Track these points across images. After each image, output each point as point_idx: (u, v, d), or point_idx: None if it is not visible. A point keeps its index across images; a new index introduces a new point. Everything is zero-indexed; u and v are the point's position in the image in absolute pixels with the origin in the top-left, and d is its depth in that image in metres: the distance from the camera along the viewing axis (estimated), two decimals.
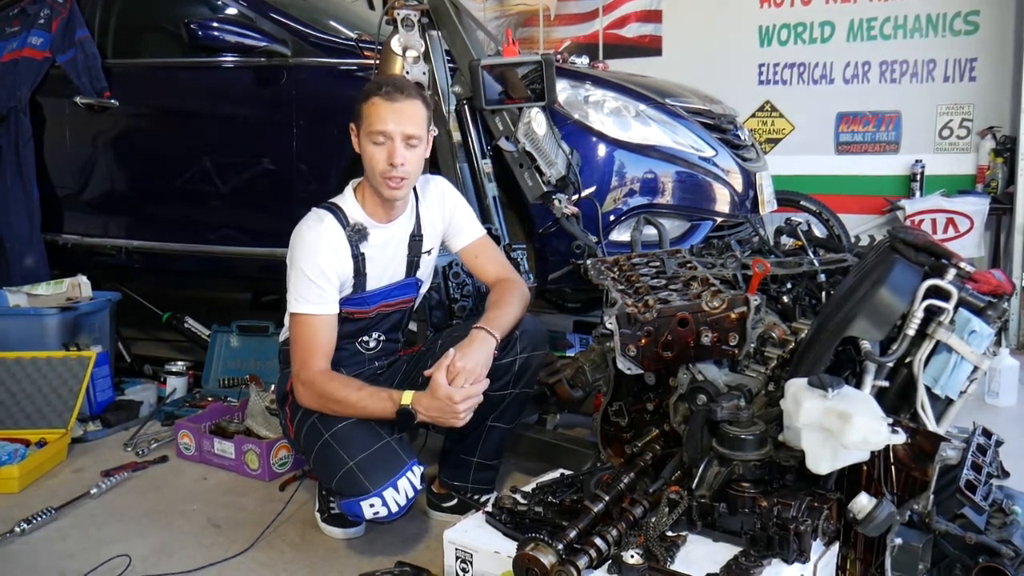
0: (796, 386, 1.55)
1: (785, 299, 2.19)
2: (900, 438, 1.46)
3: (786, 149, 4.98)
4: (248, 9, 3.23)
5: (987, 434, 1.84)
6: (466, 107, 2.69)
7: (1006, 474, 1.84)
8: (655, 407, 2.01)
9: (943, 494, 1.58)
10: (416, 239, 2.14)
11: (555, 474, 1.92)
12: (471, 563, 1.62)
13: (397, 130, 1.97)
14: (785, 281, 2.23)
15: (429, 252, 2.19)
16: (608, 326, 1.84)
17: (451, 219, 2.21)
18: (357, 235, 2.02)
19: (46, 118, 3.69)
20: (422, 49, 2.66)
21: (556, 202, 2.66)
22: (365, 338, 2.12)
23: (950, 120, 4.57)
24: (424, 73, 2.65)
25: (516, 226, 2.86)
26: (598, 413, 2.15)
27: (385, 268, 2.09)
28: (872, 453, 1.51)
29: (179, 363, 3.33)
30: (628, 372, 1.85)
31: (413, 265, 2.15)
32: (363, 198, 2.07)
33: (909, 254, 1.76)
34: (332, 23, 3.29)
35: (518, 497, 1.76)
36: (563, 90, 2.82)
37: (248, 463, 2.52)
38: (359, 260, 2.02)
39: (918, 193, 4.55)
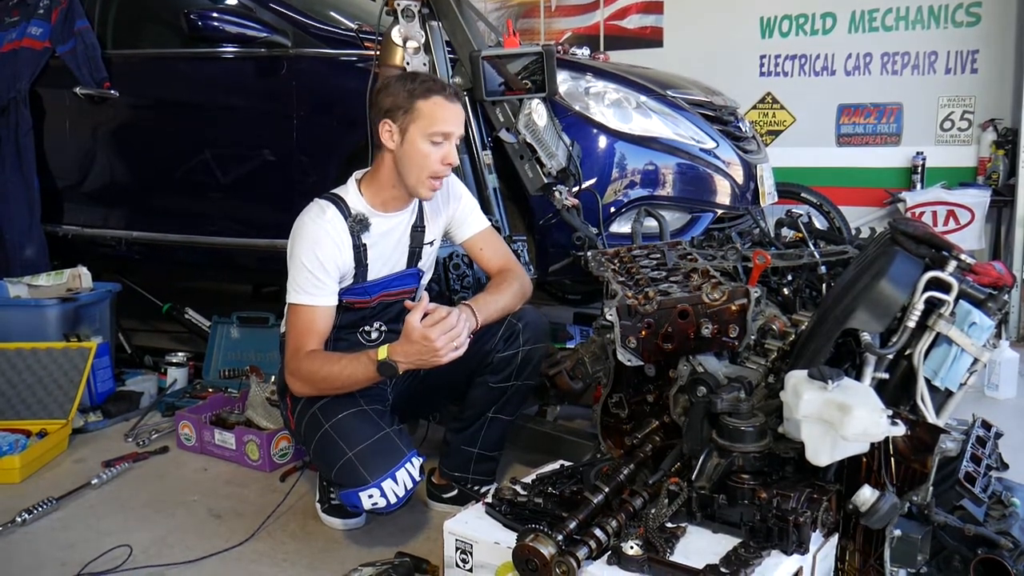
0: (796, 378, 1.55)
1: (786, 291, 2.19)
2: (900, 430, 1.46)
3: (787, 141, 4.97)
4: None
5: (986, 426, 1.85)
6: (467, 98, 2.68)
7: (1005, 466, 1.84)
8: (655, 399, 2.01)
9: (942, 486, 1.58)
10: (418, 230, 2.14)
11: (555, 465, 1.93)
12: (471, 554, 1.62)
13: (457, 132, 1.98)
14: (786, 273, 2.23)
15: (431, 243, 2.19)
16: (608, 318, 1.84)
17: (455, 211, 2.21)
18: (359, 225, 2.01)
19: (46, 109, 3.69)
20: (422, 40, 2.65)
21: (557, 194, 2.66)
22: (367, 328, 2.12)
23: (951, 112, 4.57)
24: (424, 64, 2.65)
25: (517, 218, 2.86)
26: (598, 405, 2.15)
27: (387, 258, 2.09)
28: (872, 445, 1.51)
29: (180, 354, 3.34)
30: (628, 364, 1.85)
31: (415, 255, 2.15)
32: (369, 191, 2.06)
33: (910, 246, 1.76)
34: (332, 13, 3.28)
35: (518, 488, 1.76)
36: (564, 81, 2.82)
37: (249, 454, 2.53)
38: (360, 251, 2.02)
39: (919, 185, 4.55)
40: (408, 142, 1.96)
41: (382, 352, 1.84)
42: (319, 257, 1.95)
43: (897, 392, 1.71)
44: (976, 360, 1.67)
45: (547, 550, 1.44)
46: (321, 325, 1.97)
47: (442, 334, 1.80)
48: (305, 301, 1.96)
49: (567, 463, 1.94)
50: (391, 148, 1.99)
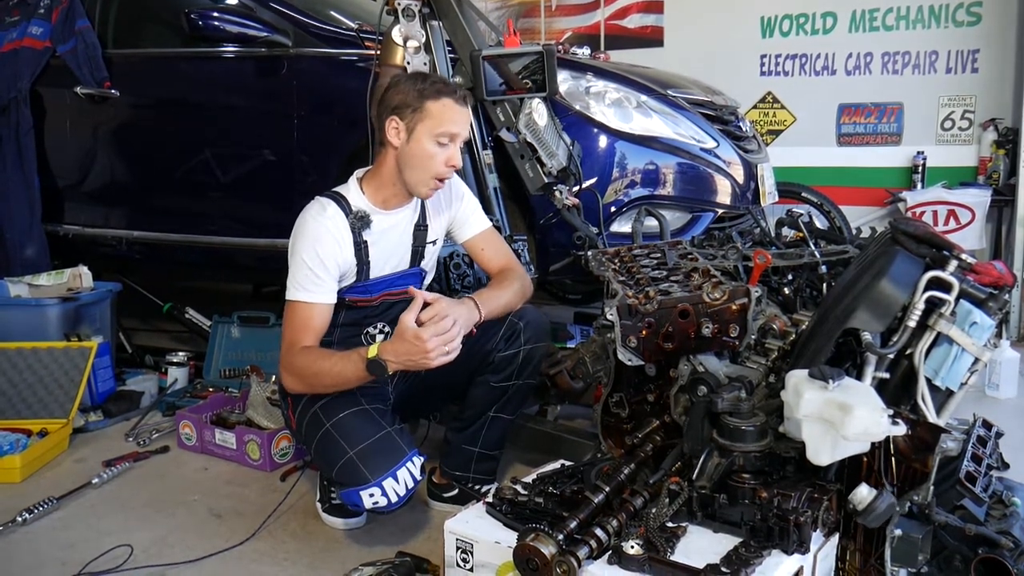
0: (797, 377, 1.55)
1: (786, 291, 2.18)
2: (900, 429, 1.46)
3: (787, 140, 4.97)
4: None
5: (987, 426, 1.84)
6: None
7: (1006, 466, 1.84)
8: (656, 398, 2.01)
9: (943, 485, 1.58)
10: (421, 229, 2.14)
11: (555, 465, 1.93)
12: (471, 553, 1.62)
13: (463, 134, 1.99)
14: (786, 273, 2.23)
15: (434, 243, 2.19)
16: (609, 317, 1.84)
17: (458, 210, 2.21)
18: (360, 222, 2.01)
19: (47, 108, 3.68)
20: (423, 39, 2.65)
21: (557, 193, 2.66)
22: (371, 330, 2.12)
23: (952, 112, 4.56)
24: (425, 64, 2.65)
25: (517, 217, 2.86)
26: (599, 404, 2.15)
27: (388, 256, 2.09)
28: (872, 444, 1.51)
29: (180, 354, 3.33)
30: (629, 363, 1.85)
31: (417, 255, 2.15)
32: (370, 189, 2.06)
33: (910, 246, 1.76)
34: (333, 13, 3.28)
35: (519, 488, 1.76)
36: (564, 81, 2.82)
37: (249, 453, 2.53)
38: (361, 248, 2.02)
39: (920, 185, 4.55)
40: (414, 140, 1.96)
41: (372, 350, 1.83)
42: (319, 254, 1.95)
43: (898, 392, 1.71)
44: (977, 360, 1.67)
45: (548, 550, 1.44)
46: (317, 322, 1.97)
47: (434, 336, 1.79)
48: (303, 298, 1.96)
49: (568, 463, 1.94)
50: (396, 145, 1.99)
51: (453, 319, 1.84)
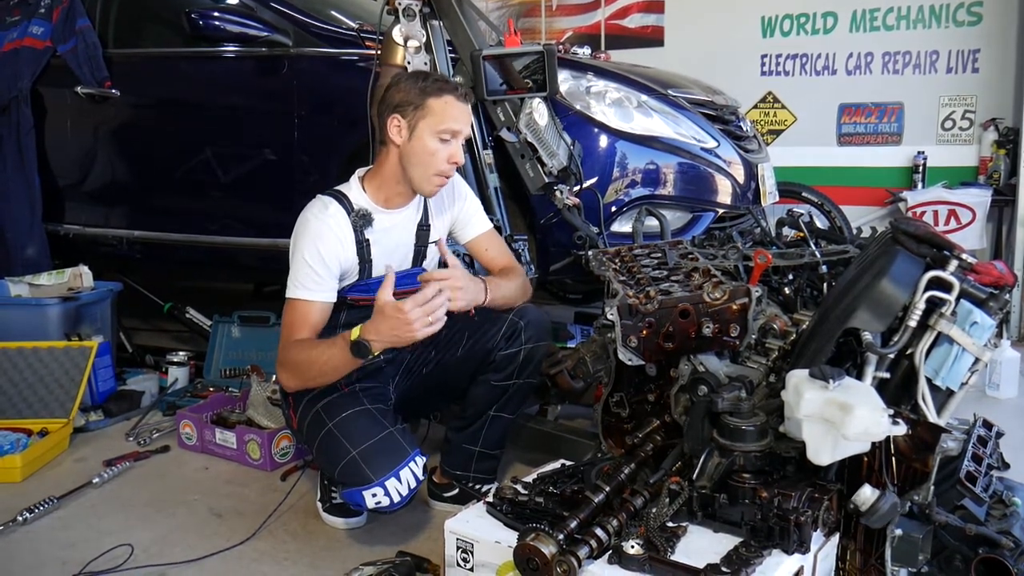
0: (797, 377, 1.55)
1: (787, 290, 2.18)
2: (901, 429, 1.46)
3: (788, 140, 4.97)
4: None
5: (988, 426, 1.85)
6: None
7: (1006, 465, 1.84)
8: (656, 398, 2.01)
9: (943, 485, 1.58)
10: (423, 228, 2.14)
11: (556, 465, 1.93)
12: (472, 553, 1.62)
13: (465, 131, 2.00)
14: (787, 272, 2.23)
15: (436, 242, 2.19)
16: (609, 317, 1.84)
17: (460, 210, 2.22)
18: (362, 220, 2.01)
19: (47, 108, 3.69)
20: (423, 39, 2.65)
21: (558, 193, 2.66)
22: None
23: (953, 111, 4.56)
24: (425, 63, 2.65)
25: (517, 217, 2.86)
26: (599, 404, 2.15)
27: (391, 255, 2.09)
28: (873, 444, 1.51)
29: (181, 353, 3.33)
30: (629, 363, 1.85)
31: (420, 255, 2.15)
32: (372, 187, 2.06)
33: (911, 245, 1.76)
34: (333, 13, 3.28)
35: (519, 487, 1.76)
36: (565, 81, 2.82)
37: (250, 453, 2.53)
38: (363, 246, 2.02)
39: (920, 185, 4.55)
40: (416, 138, 1.97)
41: (355, 332, 1.83)
42: (320, 252, 1.96)
43: (898, 391, 1.70)
44: (977, 359, 1.67)
45: (548, 549, 1.44)
46: (315, 319, 1.98)
47: (416, 307, 1.77)
48: (303, 296, 1.97)
49: (568, 462, 1.94)
50: (398, 143, 1.99)
51: (434, 289, 1.82)
